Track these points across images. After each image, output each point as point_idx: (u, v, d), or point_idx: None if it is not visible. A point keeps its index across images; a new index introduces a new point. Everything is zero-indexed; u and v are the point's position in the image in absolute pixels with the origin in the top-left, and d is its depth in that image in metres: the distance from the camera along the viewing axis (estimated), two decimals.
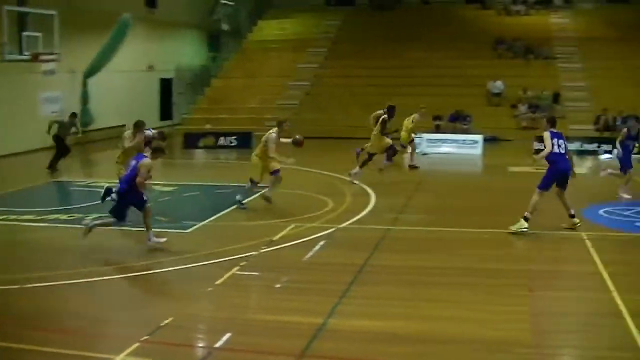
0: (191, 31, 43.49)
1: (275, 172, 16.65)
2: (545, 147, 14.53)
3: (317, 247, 13.27)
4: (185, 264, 12.03)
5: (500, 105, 35.17)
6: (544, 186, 14.55)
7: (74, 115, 24.35)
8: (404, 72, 37.82)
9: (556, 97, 34.72)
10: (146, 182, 13.05)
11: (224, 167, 21.93)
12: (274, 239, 13.61)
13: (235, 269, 11.67)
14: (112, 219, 13.08)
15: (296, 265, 12.23)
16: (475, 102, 34.90)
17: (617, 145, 18.96)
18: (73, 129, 23.86)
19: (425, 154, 27.90)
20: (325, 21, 45.16)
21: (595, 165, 25.63)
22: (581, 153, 28.32)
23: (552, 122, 15.07)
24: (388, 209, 16.72)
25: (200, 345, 9.04)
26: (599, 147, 28.64)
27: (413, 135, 24.84)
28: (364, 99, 34.02)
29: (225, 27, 45.15)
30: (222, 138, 31.34)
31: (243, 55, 43.18)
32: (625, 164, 18.66)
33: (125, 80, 34.90)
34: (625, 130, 19.04)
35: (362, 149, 20.82)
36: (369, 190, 18.65)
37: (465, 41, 39.42)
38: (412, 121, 24.80)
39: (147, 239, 13.04)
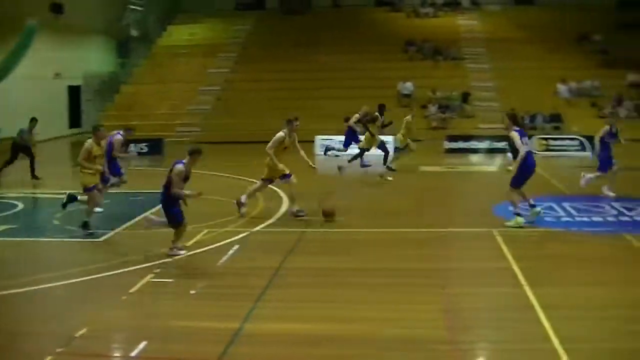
0: (99, 37, 42.88)
1: (285, 177, 16.22)
2: (517, 146, 14.76)
3: (231, 252, 13.18)
4: (99, 273, 11.77)
5: (409, 106, 35.55)
6: (518, 183, 14.88)
7: None
8: (315, 75, 38.01)
9: (465, 97, 35.30)
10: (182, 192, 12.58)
11: (136, 174, 21.61)
12: (188, 245, 13.46)
13: (150, 276, 11.51)
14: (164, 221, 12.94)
15: (211, 270, 12.14)
16: (385, 103, 35.08)
17: (596, 142, 18.97)
18: None
19: (337, 156, 27.99)
20: (235, 26, 45.08)
21: (505, 163, 26.08)
22: (491, 151, 28.86)
23: (515, 120, 15.32)
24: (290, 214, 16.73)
25: (116, 355, 8.88)
26: (507, 145, 29.16)
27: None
28: (275, 103, 34.09)
29: (134, 32, 44.65)
30: (132, 145, 30.96)
31: (153, 61, 42.76)
32: (605, 162, 18.44)
33: (32, 88, 34.00)
34: (607, 127, 18.84)
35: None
36: (282, 194, 18.64)
37: (375, 44, 39.84)
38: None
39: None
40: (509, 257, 12.44)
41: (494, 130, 31.32)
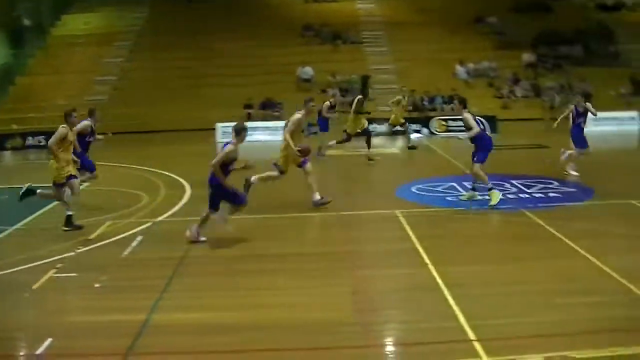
0: None
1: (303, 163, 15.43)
2: (471, 127, 14.98)
3: (134, 243, 12.95)
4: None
5: (310, 90, 35.62)
6: (483, 159, 15.18)
7: None
8: (212, 62, 37.75)
9: (365, 81, 35.55)
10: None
11: (34, 168, 21.10)
12: (90, 238, 13.21)
13: (52, 271, 11.22)
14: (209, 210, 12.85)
15: (115, 263, 11.88)
16: (285, 89, 35.23)
17: (560, 121, 19.33)
18: None
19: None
20: (132, 14, 44.28)
21: (405, 145, 26.37)
22: (393, 134, 29.13)
23: (465, 104, 15.74)
24: (204, 200, 16.51)
25: (21, 354, 8.64)
26: (408, 127, 29.49)
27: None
28: (173, 92, 33.72)
29: (27, 22, 43.40)
30: (30, 138, 30.26)
31: (47, 52, 41.70)
32: (579, 143, 18.57)
33: None
34: (572, 107, 19.02)
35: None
36: (184, 182, 18.46)
37: (273, 29, 39.72)
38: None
39: (191, 232, 12.86)
40: (413, 237, 12.59)
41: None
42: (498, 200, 14.93)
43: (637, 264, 11.05)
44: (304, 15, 42.35)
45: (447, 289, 9.70)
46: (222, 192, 12.67)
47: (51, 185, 14.18)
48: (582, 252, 11.49)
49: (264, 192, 16.86)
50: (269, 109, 33.38)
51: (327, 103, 24.20)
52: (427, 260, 11.11)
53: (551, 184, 17.20)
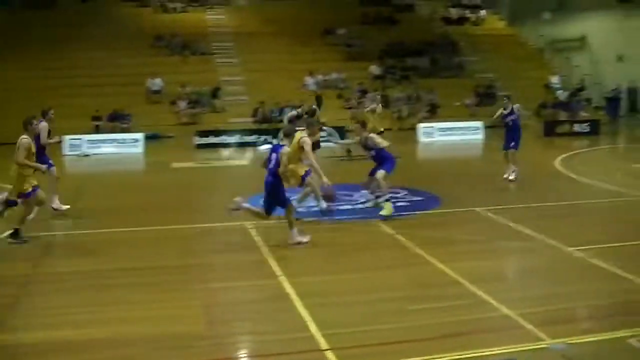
0: None
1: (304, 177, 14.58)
2: (378, 144, 15.43)
3: None
4: None
5: (160, 102, 35.11)
6: (390, 169, 15.38)
7: None
8: (62, 72, 36.56)
9: (215, 92, 35.32)
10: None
11: None
12: None
13: None
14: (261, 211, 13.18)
15: None
16: (134, 101, 34.56)
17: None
18: None
19: (86, 155, 27.20)
20: None
21: (254, 156, 26.33)
22: (242, 145, 29.05)
23: (365, 125, 16.24)
24: (51, 215, 15.96)
25: None
26: (258, 138, 29.53)
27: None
28: (20, 103, 32.43)
29: None
30: None
31: None
32: (509, 141, 19.40)
33: None
34: (501, 110, 19.75)
35: None
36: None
37: (123, 39, 38.95)
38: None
39: (289, 237, 12.83)
40: (264, 249, 12.53)
41: (245, 124, 31.64)
42: (391, 212, 15.00)
43: (482, 268, 11.41)
44: (155, 25, 41.75)
45: (299, 299, 9.68)
46: (277, 194, 13.01)
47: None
48: (431, 259, 11.73)
49: (114, 206, 16.44)
50: (117, 120, 32.65)
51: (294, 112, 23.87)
52: (279, 272, 11.04)
53: (399, 193, 17.45)
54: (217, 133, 30.13)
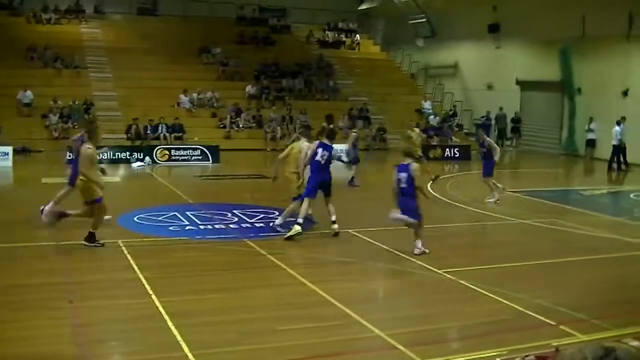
0: None
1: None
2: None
3: None
4: None
5: (31, 115, 34.22)
6: (309, 193, 15.49)
7: None
8: None
9: (88, 107, 34.70)
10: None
11: None
12: None
13: None
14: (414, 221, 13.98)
15: None
16: (4, 113, 33.52)
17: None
18: None
19: None
20: None
21: (127, 174, 26.08)
22: (114, 162, 28.62)
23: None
24: None
25: None
26: (131, 155, 29.17)
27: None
28: None
29: None
30: None
31: None
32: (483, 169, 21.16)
33: None
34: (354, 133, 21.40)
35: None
36: None
37: None
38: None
39: (415, 247, 13.91)
40: (136, 267, 12.43)
41: (118, 140, 31.18)
42: (295, 233, 14.99)
43: (354, 289, 11.67)
44: (28, 36, 40.54)
45: (170, 319, 9.66)
46: (413, 199, 14.03)
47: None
48: (302, 279, 11.91)
49: None
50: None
51: (355, 134, 24.38)
52: (150, 291, 10.99)
53: (273, 213, 17.59)
54: None
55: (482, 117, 41.53)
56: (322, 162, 15.63)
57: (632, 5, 32.14)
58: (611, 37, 33.67)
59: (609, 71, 34.46)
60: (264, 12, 47.59)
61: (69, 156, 24.36)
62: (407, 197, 13.87)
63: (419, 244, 13.96)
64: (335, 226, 15.62)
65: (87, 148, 13.92)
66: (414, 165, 13.97)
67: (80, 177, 13.89)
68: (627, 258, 14.89)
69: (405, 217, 13.97)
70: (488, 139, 21.75)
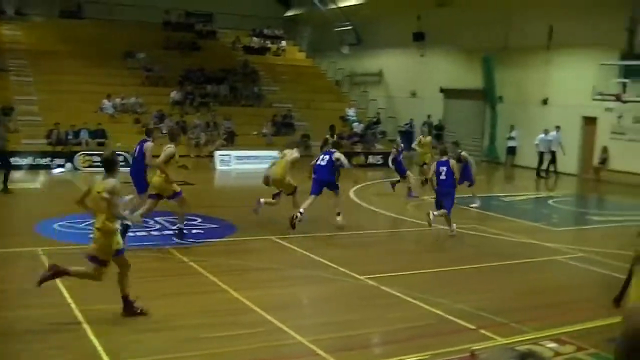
0: None
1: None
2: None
3: None
4: None
5: None
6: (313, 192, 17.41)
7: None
8: None
9: (8, 111, 33.95)
10: None
11: None
12: None
13: None
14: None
15: None
16: None
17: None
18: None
19: None
20: None
21: (47, 180, 25.64)
22: (34, 167, 28.12)
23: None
24: None
25: None
26: (52, 161, 28.68)
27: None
28: None
29: None
30: None
31: None
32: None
33: None
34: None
35: None
36: None
37: None
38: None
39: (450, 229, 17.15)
40: None
41: (38, 145, 30.61)
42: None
43: (276, 296, 11.69)
44: None
45: (89, 327, 9.55)
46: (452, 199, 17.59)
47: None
48: (225, 286, 11.87)
49: None
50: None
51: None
52: (70, 299, 10.83)
53: (195, 220, 17.48)
54: (9, 154, 28.90)
55: (406, 124, 41.98)
56: (324, 164, 17.53)
57: (552, 17, 32.98)
58: (532, 47, 34.47)
59: (529, 80, 35.29)
60: (190, 17, 47.34)
61: None
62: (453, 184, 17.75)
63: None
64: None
65: None
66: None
67: None
68: (545, 262, 15.29)
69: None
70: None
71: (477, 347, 9.18)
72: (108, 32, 41.98)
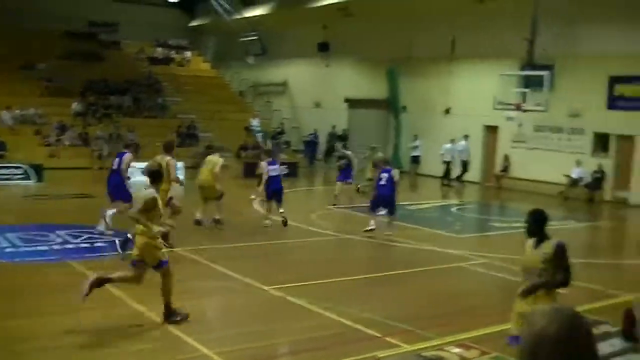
0: None
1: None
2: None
3: None
4: None
5: None
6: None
7: None
8: None
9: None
10: None
11: None
12: None
13: None
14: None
15: None
16: None
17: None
18: None
19: None
20: None
21: None
22: None
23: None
24: None
25: None
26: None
27: None
28: None
29: None
30: None
31: None
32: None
33: None
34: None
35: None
36: None
37: None
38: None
39: None
40: None
41: None
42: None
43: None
44: None
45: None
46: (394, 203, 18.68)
47: None
48: (129, 300, 11.68)
49: None
50: None
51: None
52: None
53: (96, 233, 17.13)
54: None
55: (310, 134, 42.14)
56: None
57: (455, 30, 33.63)
58: (435, 58, 35.08)
59: (432, 90, 35.88)
60: (93, 27, 46.47)
61: None
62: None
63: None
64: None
65: None
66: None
67: None
68: (450, 269, 15.50)
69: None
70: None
71: (382, 355, 9.20)
72: (7, 42, 40.89)
